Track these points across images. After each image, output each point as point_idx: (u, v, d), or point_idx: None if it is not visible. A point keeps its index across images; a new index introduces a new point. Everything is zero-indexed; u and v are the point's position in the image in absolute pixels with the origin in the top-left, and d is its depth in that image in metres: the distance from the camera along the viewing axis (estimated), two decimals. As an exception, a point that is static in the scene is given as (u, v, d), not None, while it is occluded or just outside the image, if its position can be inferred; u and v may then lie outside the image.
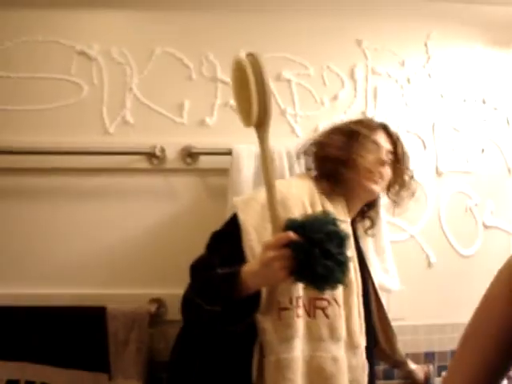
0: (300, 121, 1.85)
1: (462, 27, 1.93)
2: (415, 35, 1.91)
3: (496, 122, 1.96)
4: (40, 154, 1.71)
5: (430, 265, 1.91)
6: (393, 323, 1.86)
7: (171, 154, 1.76)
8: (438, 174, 1.92)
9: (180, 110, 1.79)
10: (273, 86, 1.84)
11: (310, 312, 1.14)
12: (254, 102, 0.90)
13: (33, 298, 1.68)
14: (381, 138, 1.30)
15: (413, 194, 1.38)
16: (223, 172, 1.74)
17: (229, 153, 1.73)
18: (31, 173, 1.75)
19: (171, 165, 1.76)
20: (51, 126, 1.77)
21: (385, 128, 1.35)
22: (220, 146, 1.74)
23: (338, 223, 0.99)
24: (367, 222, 1.45)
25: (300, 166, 1.72)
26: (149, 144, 1.74)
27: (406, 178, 1.35)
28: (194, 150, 1.75)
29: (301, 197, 1.19)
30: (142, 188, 1.77)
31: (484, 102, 1.95)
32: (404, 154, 1.34)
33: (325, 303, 1.13)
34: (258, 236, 1.11)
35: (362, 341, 1.20)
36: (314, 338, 1.13)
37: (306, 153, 1.43)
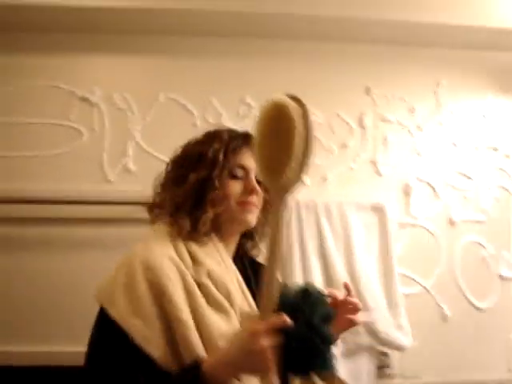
0: (309, 170, 1.79)
1: (473, 74, 1.92)
2: (425, 82, 1.90)
3: (508, 169, 1.91)
4: (40, 204, 1.65)
5: (444, 318, 1.83)
6: (408, 381, 1.79)
7: (176, 203, 1.69)
8: (451, 223, 1.87)
9: (184, 158, 1.74)
10: (280, 133, 1.80)
11: None
12: (292, 159, 0.77)
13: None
14: (247, 159, 1.07)
15: None
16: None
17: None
18: (32, 222, 1.68)
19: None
20: (51, 173, 1.72)
21: (248, 141, 1.07)
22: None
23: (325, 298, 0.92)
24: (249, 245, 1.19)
25: (308, 219, 1.67)
26: (151, 193, 1.67)
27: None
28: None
29: (170, 256, 0.99)
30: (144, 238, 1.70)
31: (496, 150, 1.91)
32: None
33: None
34: (141, 321, 0.94)
35: None
36: None
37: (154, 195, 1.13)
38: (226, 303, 0.98)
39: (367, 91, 1.86)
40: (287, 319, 0.81)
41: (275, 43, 1.83)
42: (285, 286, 0.98)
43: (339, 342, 1.59)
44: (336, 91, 1.84)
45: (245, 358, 0.84)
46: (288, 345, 0.83)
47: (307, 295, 0.92)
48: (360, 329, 1.63)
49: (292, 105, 0.78)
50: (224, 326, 0.96)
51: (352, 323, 1.05)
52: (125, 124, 1.75)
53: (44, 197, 1.65)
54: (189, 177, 1.04)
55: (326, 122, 1.83)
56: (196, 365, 0.89)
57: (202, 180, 1.03)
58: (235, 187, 1.06)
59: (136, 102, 1.77)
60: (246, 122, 1.79)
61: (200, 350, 0.92)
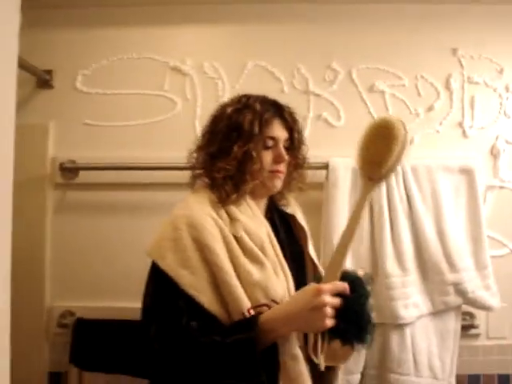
0: (395, 133, 1.82)
1: None
2: (514, 41, 1.85)
3: None
4: (134, 170, 1.76)
5: (532, 281, 1.83)
6: (492, 342, 1.82)
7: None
8: (541, 183, 1.85)
9: (273, 123, 1.80)
10: (366, 97, 1.83)
11: None
12: (389, 160, 1.00)
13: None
14: (277, 129, 1.20)
15: (304, 177, 1.33)
16: (318, 186, 1.74)
17: (324, 167, 1.72)
18: (128, 187, 1.80)
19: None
20: (145, 142, 1.82)
21: (280, 112, 1.22)
22: (314, 160, 1.72)
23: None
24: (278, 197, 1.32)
25: (397, 182, 1.69)
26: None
27: (302, 160, 1.28)
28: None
29: (210, 214, 1.12)
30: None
31: None
32: (300, 138, 1.26)
33: (265, 308, 1.06)
34: (189, 271, 1.07)
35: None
36: None
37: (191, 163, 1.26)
38: (260, 254, 1.11)
39: (454, 52, 1.85)
40: (348, 288, 0.96)
41: (360, 8, 1.84)
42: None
43: (429, 301, 1.66)
44: (422, 53, 1.84)
45: (307, 312, 0.97)
46: (344, 311, 0.96)
47: (366, 280, 1.04)
48: (449, 289, 1.67)
49: (399, 124, 1.01)
50: (258, 274, 1.08)
51: None
52: (215, 92, 1.82)
53: (141, 163, 1.75)
54: (232, 149, 1.14)
55: (412, 85, 1.84)
56: (253, 317, 1.01)
57: (243, 153, 1.15)
58: (267, 157, 1.18)
59: (225, 70, 1.83)
60: (333, 87, 1.83)
61: (242, 295, 1.05)
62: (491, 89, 1.85)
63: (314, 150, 1.74)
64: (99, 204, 1.82)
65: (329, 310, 0.95)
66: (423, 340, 1.68)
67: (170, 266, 1.07)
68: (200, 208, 1.12)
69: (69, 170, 1.80)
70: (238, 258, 1.09)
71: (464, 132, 1.84)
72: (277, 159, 1.19)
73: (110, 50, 1.85)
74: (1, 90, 0.59)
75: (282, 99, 1.78)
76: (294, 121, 1.24)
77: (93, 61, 1.85)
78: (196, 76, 1.83)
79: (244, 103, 1.19)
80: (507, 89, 1.85)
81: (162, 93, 1.83)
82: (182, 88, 1.83)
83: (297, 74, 1.83)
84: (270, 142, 1.19)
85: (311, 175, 1.72)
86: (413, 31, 1.84)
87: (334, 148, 1.77)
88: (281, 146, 1.20)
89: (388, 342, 1.65)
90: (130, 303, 1.65)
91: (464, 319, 1.79)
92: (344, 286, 0.97)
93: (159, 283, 1.09)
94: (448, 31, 1.85)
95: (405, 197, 1.70)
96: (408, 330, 1.66)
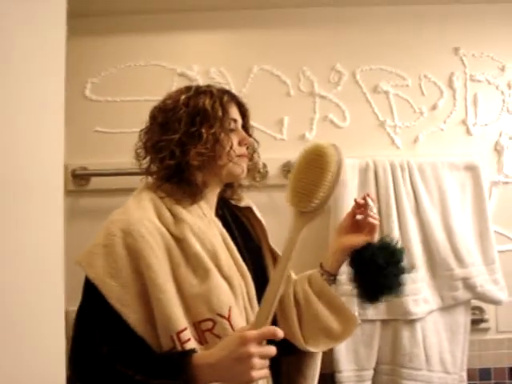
0: (400, 132, 1.87)
1: None
2: (514, 39, 1.90)
3: None
4: (144, 175, 1.78)
5: (539, 274, 1.87)
6: (502, 336, 1.85)
7: (273, 170, 1.82)
8: (544, 179, 1.89)
9: (280, 126, 1.85)
10: (371, 98, 1.87)
11: (201, 339, 0.98)
12: (323, 192, 0.85)
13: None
14: (234, 112, 1.13)
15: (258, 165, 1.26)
16: (326, 186, 1.77)
17: (331, 167, 1.75)
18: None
19: (273, 181, 1.81)
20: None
21: (234, 97, 1.17)
22: (322, 161, 1.77)
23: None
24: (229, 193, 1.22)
25: (404, 180, 1.73)
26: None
27: (253, 145, 1.20)
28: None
29: (149, 219, 1.01)
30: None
31: None
32: (250, 127, 1.20)
33: (209, 323, 0.97)
34: (118, 283, 0.97)
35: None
36: None
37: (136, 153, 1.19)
38: (205, 259, 0.99)
39: (455, 51, 1.89)
40: (279, 332, 0.83)
41: (362, 10, 1.89)
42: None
43: (438, 297, 1.69)
44: (424, 53, 1.89)
45: (231, 362, 0.84)
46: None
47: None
48: (458, 284, 1.71)
49: (331, 150, 0.86)
50: (200, 286, 0.97)
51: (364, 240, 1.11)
52: (223, 97, 1.86)
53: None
54: (202, 133, 1.04)
55: (416, 85, 1.88)
56: (183, 358, 0.90)
57: (212, 136, 1.05)
58: (234, 140, 1.10)
59: (231, 75, 1.88)
60: (338, 88, 1.87)
61: (175, 315, 0.95)
62: (493, 86, 1.90)
63: (320, 151, 1.80)
64: (112, 209, 1.84)
65: (256, 361, 0.82)
66: (434, 335, 1.72)
67: (97, 274, 0.97)
68: (139, 212, 1.02)
69: (80, 177, 1.84)
70: (179, 268, 0.99)
71: (468, 129, 1.88)
72: (242, 141, 1.12)
73: (117, 58, 1.89)
74: (51, 101, 0.63)
75: (289, 102, 1.87)
76: (246, 108, 1.19)
77: (101, 69, 1.89)
78: (203, 81, 1.86)
79: (195, 90, 1.11)
80: (509, 86, 1.90)
81: (170, 99, 1.87)
82: (189, 94, 1.87)
83: (302, 76, 1.87)
84: (233, 125, 1.12)
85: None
86: (415, 32, 1.89)
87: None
88: (240, 129, 1.14)
89: (399, 338, 1.69)
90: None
91: (473, 314, 1.83)
92: (272, 332, 0.84)
93: (86, 294, 1.02)
94: (449, 31, 1.90)
95: (412, 194, 1.74)
96: (419, 326, 1.69)
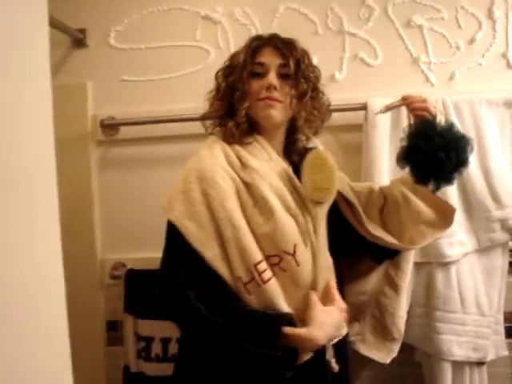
0: (434, 68, 1.79)
1: None
2: None
3: None
4: (173, 122, 1.80)
5: None
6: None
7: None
8: None
9: (308, 66, 1.79)
10: (403, 33, 1.80)
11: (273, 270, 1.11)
12: (334, 184, 1.15)
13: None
14: (265, 56, 1.21)
15: (323, 109, 1.31)
16: (357, 128, 1.74)
17: (363, 107, 1.72)
18: (168, 140, 1.86)
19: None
20: (181, 93, 1.85)
21: (271, 40, 1.24)
22: (352, 101, 1.73)
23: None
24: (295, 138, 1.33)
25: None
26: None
27: (305, 88, 1.22)
28: (326, 107, 1.75)
29: (221, 166, 1.15)
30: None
31: None
32: (300, 64, 1.21)
33: (276, 258, 1.10)
34: (195, 224, 1.10)
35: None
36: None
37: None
38: (272, 202, 1.11)
39: (496, -21, 1.77)
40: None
41: None
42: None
43: (474, 239, 1.66)
44: (461, -18, 1.78)
45: (336, 330, 1.10)
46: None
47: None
48: (495, 225, 1.67)
49: (328, 154, 1.17)
50: (267, 226, 1.10)
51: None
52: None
53: (178, 115, 1.79)
54: (222, 85, 1.22)
55: (452, 17, 1.78)
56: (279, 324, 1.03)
57: (227, 86, 1.21)
58: (255, 85, 1.19)
59: (257, 15, 1.83)
60: (369, 25, 1.80)
61: (251, 249, 1.08)
62: (537, 16, 1.78)
63: (351, 92, 1.77)
64: (142, 157, 1.88)
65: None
66: (469, 277, 1.70)
67: (177, 217, 1.11)
68: (211, 160, 1.15)
69: (109, 127, 1.86)
70: (247, 209, 1.11)
71: (508, 63, 1.78)
72: (265, 85, 1.18)
73: (140, 4, 1.86)
74: (34, 49, 0.62)
75: (317, 41, 1.81)
76: (289, 48, 1.22)
77: (124, 16, 1.88)
78: (227, 23, 1.83)
79: (244, 45, 1.27)
80: (554, 15, 1.77)
81: (194, 43, 1.85)
82: (214, 37, 1.84)
83: (330, 13, 1.80)
84: (259, 69, 1.20)
85: (349, 117, 1.74)
86: (451, -42, 1.77)
87: (372, 88, 1.76)
88: (273, 72, 1.19)
89: (433, 281, 1.68)
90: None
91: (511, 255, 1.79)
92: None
93: (169, 235, 1.16)
94: (489, -45, 1.77)
95: (447, 134, 1.68)
96: (454, 268, 1.67)
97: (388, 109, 1.33)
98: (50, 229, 0.62)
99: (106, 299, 1.92)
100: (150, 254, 1.85)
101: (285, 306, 1.08)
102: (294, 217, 1.13)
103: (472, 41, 1.79)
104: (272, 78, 1.18)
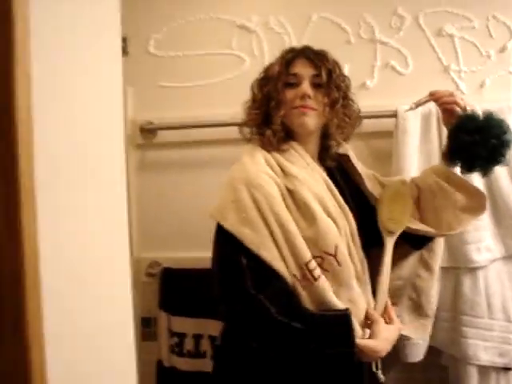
0: (465, 77, 1.83)
1: None
2: None
3: None
4: (209, 127, 1.88)
5: None
6: None
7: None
8: None
9: (340, 74, 1.84)
10: (434, 42, 1.84)
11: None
12: (407, 219, 1.32)
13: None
14: (299, 67, 1.28)
15: (353, 116, 1.37)
16: (387, 135, 1.78)
17: (393, 115, 1.76)
18: (205, 144, 1.94)
19: (334, 129, 1.83)
20: (217, 99, 1.92)
21: (304, 52, 1.30)
22: (383, 109, 1.78)
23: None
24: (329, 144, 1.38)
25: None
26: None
27: (337, 97, 1.28)
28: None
29: (265, 172, 1.20)
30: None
31: None
32: (331, 74, 1.27)
33: (318, 260, 1.16)
34: (250, 229, 1.15)
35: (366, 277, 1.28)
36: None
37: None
38: (314, 208, 1.17)
39: (528, -12, 1.80)
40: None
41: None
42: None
43: (502, 245, 1.68)
44: (492, -8, 1.80)
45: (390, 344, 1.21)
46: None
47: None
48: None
49: (408, 190, 1.37)
50: (309, 230, 1.16)
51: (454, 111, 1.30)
52: (282, 47, 1.83)
53: (215, 121, 1.86)
54: (257, 96, 1.29)
55: (483, 26, 1.81)
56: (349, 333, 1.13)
57: (263, 96, 1.27)
58: (289, 94, 1.25)
59: (291, 24, 1.89)
60: (400, 34, 1.84)
61: (303, 249, 1.14)
62: None
63: (382, 99, 1.81)
64: (179, 161, 1.97)
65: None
66: (496, 284, 1.72)
67: (233, 225, 1.15)
68: (255, 167, 1.20)
69: (148, 131, 1.94)
70: (292, 214, 1.17)
71: (540, 72, 1.80)
72: (299, 94, 1.25)
73: (178, 13, 1.94)
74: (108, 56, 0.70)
75: (349, 50, 1.87)
76: (321, 59, 1.29)
77: (163, 24, 1.96)
78: (262, 32, 1.90)
79: (278, 57, 1.34)
80: None
81: (230, 51, 1.92)
82: (249, 45, 1.91)
83: (362, 23, 1.85)
84: (293, 79, 1.27)
85: (380, 124, 1.78)
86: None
87: (402, 96, 1.79)
88: (306, 82, 1.26)
89: (460, 286, 1.71)
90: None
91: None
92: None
93: (224, 243, 1.19)
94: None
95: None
96: (481, 274, 1.70)
97: (417, 105, 1.38)
98: (117, 221, 0.69)
99: (141, 296, 2.00)
100: (185, 253, 1.94)
101: (336, 301, 1.16)
102: (334, 220, 1.20)
103: (503, 49, 1.81)
104: (306, 87, 1.25)
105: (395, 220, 1.28)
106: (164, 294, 1.92)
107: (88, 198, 0.65)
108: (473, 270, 1.70)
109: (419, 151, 1.73)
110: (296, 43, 1.86)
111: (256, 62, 1.90)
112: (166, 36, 1.96)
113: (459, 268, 1.71)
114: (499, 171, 1.68)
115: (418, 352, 1.69)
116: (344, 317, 1.13)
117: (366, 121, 1.78)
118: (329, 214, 1.19)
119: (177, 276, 1.91)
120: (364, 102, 1.76)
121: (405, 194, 1.32)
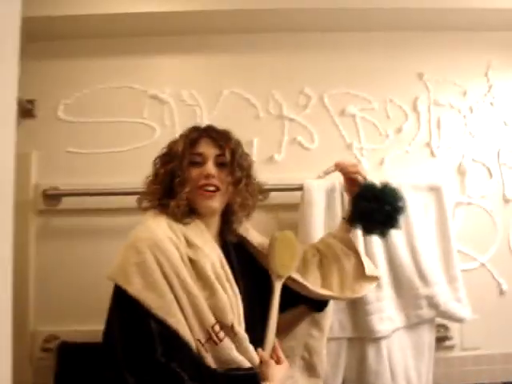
0: (366, 154, 1.95)
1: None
2: (476, 65, 2.02)
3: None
4: (116, 195, 1.85)
5: (502, 292, 1.95)
6: (467, 353, 1.91)
7: (242, 190, 1.86)
8: (506, 200, 1.99)
9: (249, 147, 1.90)
10: (338, 121, 1.96)
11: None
12: (295, 263, 1.39)
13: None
14: (203, 147, 1.30)
15: (255, 193, 1.39)
16: (294, 207, 1.84)
17: (299, 188, 1.82)
18: (110, 213, 1.90)
19: (243, 201, 1.86)
20: (126, 168, 1.92)
21: (208, 132, 1.33)
22: (290, 182, 1.84)
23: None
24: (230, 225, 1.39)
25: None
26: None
27: (240, 176, 1.31)
28: (265, 187, 1.84)
29: (169, 237, 1.19)
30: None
31: (547, 127, 2.01)
32: (234, 154, 1.31)
33: (217, 326, 1.17)
34: (156, 295, 1.13)
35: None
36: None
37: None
38: (213, 280, 1.18)
39: (420, 77, 2.00)
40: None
41: (330, 36, 1.99)
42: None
43: (403, 315, 1.75)
44: (390, 78, 1.99)
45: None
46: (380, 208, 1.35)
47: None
48: (422, 302, 1.77)
49: (293, 235, 1.40)
50: (208, 300, 1.17)
51: (356, 180, 1.40)
52: (193, 118, 1.93)
53: (121, 189, 1.83)
54: (160, 171, 1.30)
55: (382, 108, 1.98)
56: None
57: (166, 172, 1.28)
58: (194, 173, 1.28)
59: (202, 97, 1.95)
60: (306, 111, 1.95)
61: (207, 315, 1.16)
62: (456, 110, 2.00)
63: (289, 173, 1.88)
64: (82, 229, 1.90)
65: None
66: (399, 352, 1.77)
67: (139, 291, 1.11)
68: (161, 230, 1.19)
69: (52, 197, 1.88)
70: (193, 284, 1.17)
71: (432, 152, 1.97)
72: (204, 173, 1.27)
73: (90, 80, 1.95)
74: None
75: (258, 124, 1.94)
76: (224, 139, 1.32)
77: (74, 90, 1.95)
78: (174, 103, 1.94)
79: (182, 133, 1.36)
80: (471, 110, 2.00)
81: (141, 120, 1.94)
82: (160, 115, 1.94)
83: (271, 99, 1.96)
84: (198, 158, 1.29)
85: (287, 197, 1.84)
86: (380, 57, 1.99)
87: (309, 170, 1.87)
88: (210, 162, 1.29)
89: (365, 355, 1.74)
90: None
91: (438, 331, 1.90)
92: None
93: (129, 308, 1.12)
94: (414, 57, 2.01)
95: (377, 215, 1.80)
96: (384, 344, 1.75)
97: (326, 173, 1.45)
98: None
99: (34, 373, 1.85)
100: (84, 326, 1.84)
101: (241, 358, 1.18)
102: (229, 297, 1.22)
103: (399, 130, 1.98)
104: (210, 167, 1.28)
105: (285, 265, 1.35)
106: (60, 371, 1.79)
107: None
108: (377, 340, 1.74)
109: (324, 223, 1.80)
110: (207, 116, 1.93)
111: (167, 132, 1.93)
112: (77, 101, 1.95)
113: (363, 338, 1.75)
114: (399, 243, 1.78)
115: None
116: (254, 377, 1.18)
117: (273, 193, 1.85)
118: (225, 291, 1.21)
119: (74, 351, 1.79)
120: (272, 175, 1.84)
121: (293, 241, 1.39)
